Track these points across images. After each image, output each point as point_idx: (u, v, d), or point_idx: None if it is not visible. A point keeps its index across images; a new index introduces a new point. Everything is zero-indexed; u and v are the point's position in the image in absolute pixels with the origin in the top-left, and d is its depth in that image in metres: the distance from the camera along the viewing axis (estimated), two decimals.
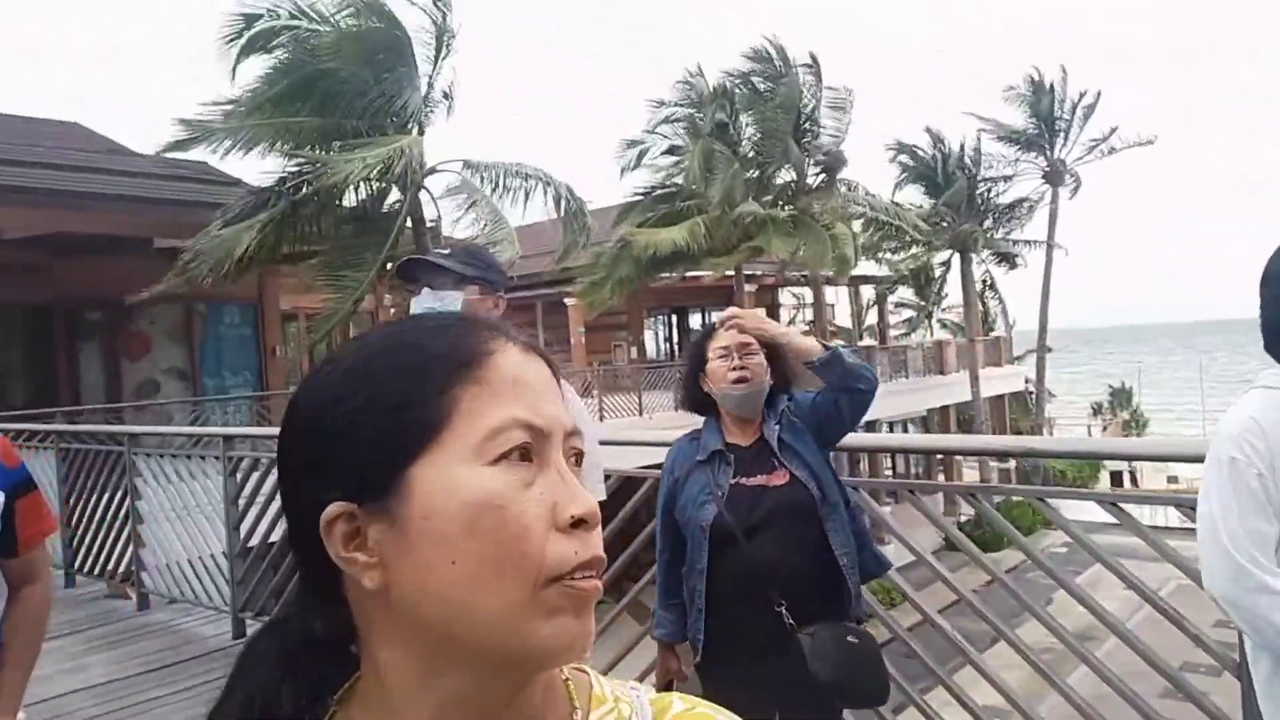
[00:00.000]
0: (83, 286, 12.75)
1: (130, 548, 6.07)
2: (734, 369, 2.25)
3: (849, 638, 2.11)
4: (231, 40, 11.17)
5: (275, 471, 0.74)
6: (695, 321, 26.44)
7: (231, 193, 11.61)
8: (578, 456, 0.55)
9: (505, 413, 0.52)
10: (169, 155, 12.16)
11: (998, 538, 11.43)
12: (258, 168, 11.45)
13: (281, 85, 11.10)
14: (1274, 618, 1.39)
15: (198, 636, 5.39)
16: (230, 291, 11.63)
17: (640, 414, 16.07)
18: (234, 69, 11.23)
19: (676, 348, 26.00)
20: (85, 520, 6.56)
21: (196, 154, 12.04)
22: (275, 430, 0.77)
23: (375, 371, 0.53)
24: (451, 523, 0.50)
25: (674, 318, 26.28)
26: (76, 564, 6.65)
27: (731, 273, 17.63)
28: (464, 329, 0.56)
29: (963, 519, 16.79)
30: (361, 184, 11.14)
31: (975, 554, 2.53)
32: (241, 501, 5.20)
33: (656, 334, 26.19)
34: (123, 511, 6.14)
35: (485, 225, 11.50)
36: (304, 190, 11.46)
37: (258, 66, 11.42)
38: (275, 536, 5.27)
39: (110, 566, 6.35)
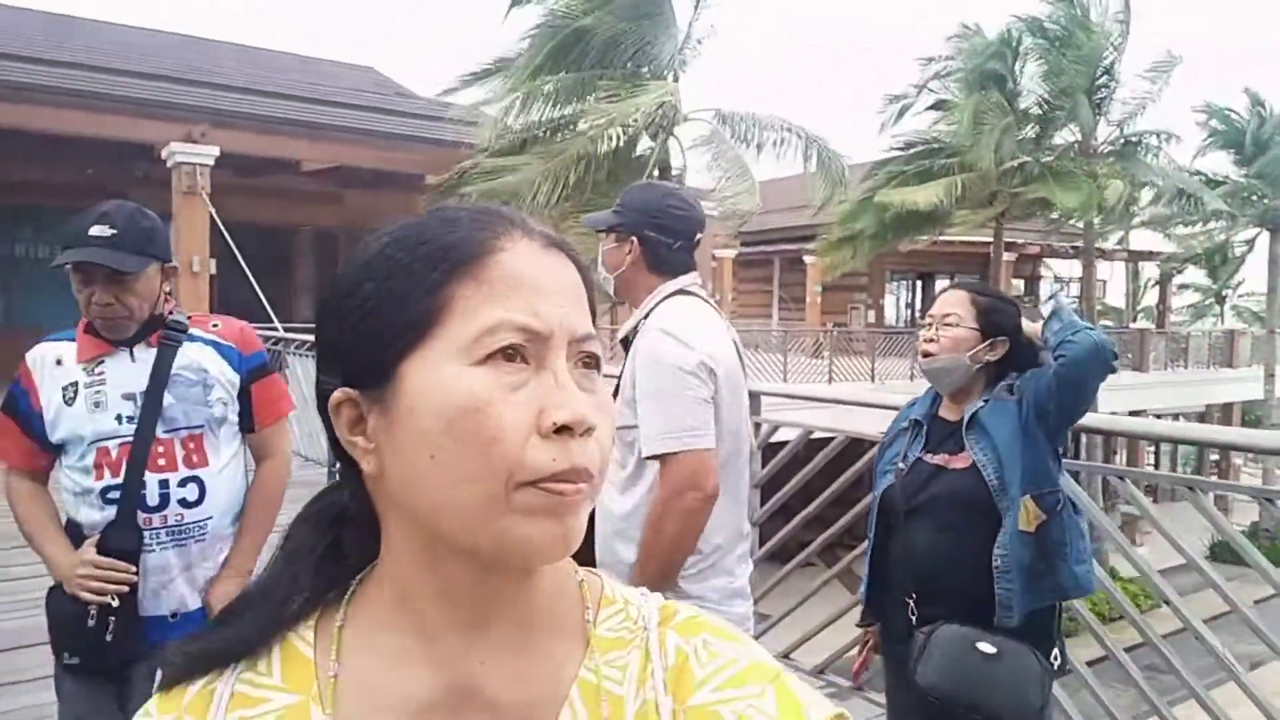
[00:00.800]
0: (365, 215, 14.08)
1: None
2: (925, 340, 2.09)
3: (980, 644, 1.85)
4: None
5: None
6: (941, 287, 25.06)
7: (499, 139, 12.29)
8: (586, 360, 0.54)
9: (499, 313, 0.51)
10: (446, 101, 13.04)
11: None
12: (524, 119, 11.89)
13: (548, 43, 11.52)
14: None
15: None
16: None
17: (872, 379, 15.51)
18: (506, 15, 11.78)
19: (918, 315, 24.79)
20: None
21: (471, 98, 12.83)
22: None
23: (382, 264, 0.54)
24: (432, 419, 0.50)
25: (919, 283, 25.01)
26: None
27: (988, 238, 16.38)
28: (476, 222, 0.55)
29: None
30: (613, 131, 11.39)
31: (1263, 565, 2.15)
32: None
33: (898, 298, 25.06)
34: None
35: (728, 176, 11.41)
36: (559, 137, 11.91)
37: (531, 16, 11.92)
38: None
39: None
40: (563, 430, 0.50)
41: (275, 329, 8.65)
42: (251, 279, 9.64)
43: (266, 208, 13.23)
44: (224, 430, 1.96)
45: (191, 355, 1.93)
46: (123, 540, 1.84)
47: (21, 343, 2.08)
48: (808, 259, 20.16)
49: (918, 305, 25.08)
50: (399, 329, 0.52)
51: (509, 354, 0.51)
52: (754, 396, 3.82)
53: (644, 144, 12.20)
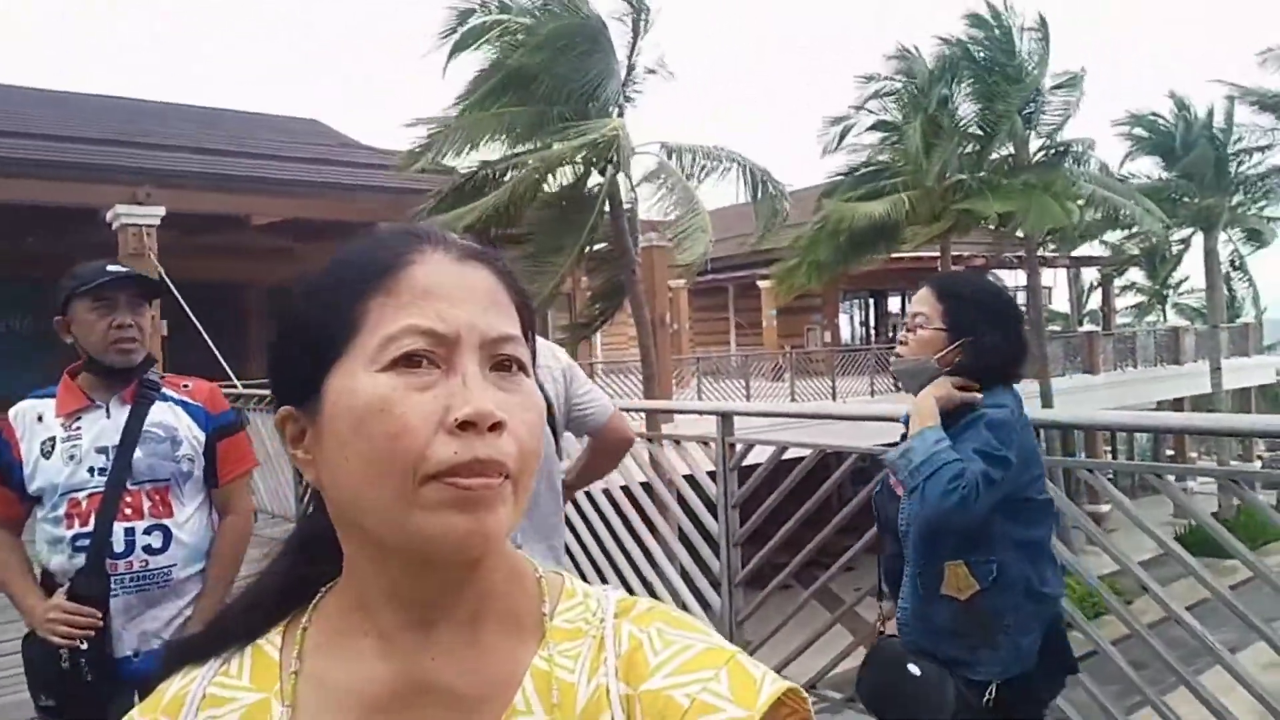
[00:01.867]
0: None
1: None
2: (899, 341, 2.00)
3: (910, 665, 1.78)
4: (445, 36, 11.79)
5: None
6: (894, 304, 25.41)
7: (446, 181, 12.30)
8: (504, 361, 0.56)
9: (403, 321, 0.54)
10: (390, 148, 13.04)
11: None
12: (471, 158, 11.93)
13: (491, 82, 11.59)
14: None
15: None
16: None
17: (834, 398, 15.68)
18: (445, 66, 11.86)
19: (873, 332, 25.11)
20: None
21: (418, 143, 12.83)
22: None
23: (311, 288, 0.59)
24: (344, 422, 0.54)
25: (871, 301, 25.39)
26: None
27: (935, 253, 16.74)
28: (393, 240, 0.58)
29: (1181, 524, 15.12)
30: (562, 170, 11.45)
31: (1236, 548, 2.21)
32: None
33: (852, 317, 25.42)
34: None
35: (680, 208, 11.52)
36: (509, 177, 11.95)
37: (470, 63, 12.01)
38: None
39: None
40: (466, 426, 0.52)
41: (234, 386, 8.51)
42: (206, 337, 9.48)
43: (218, 265, 13.04)
44: (189, 485, 2.11)
45: (162, 414, 2.10)
46: (91, 586, 1.98)
47: None
48: (761, 284, 20.37)
49: (872, 323, 25.43)
50: (322, 345, 0.56)
51: (415, 359, 0.54)
52: (726, 417, 3.87)
53: (594, 179, 12.29)
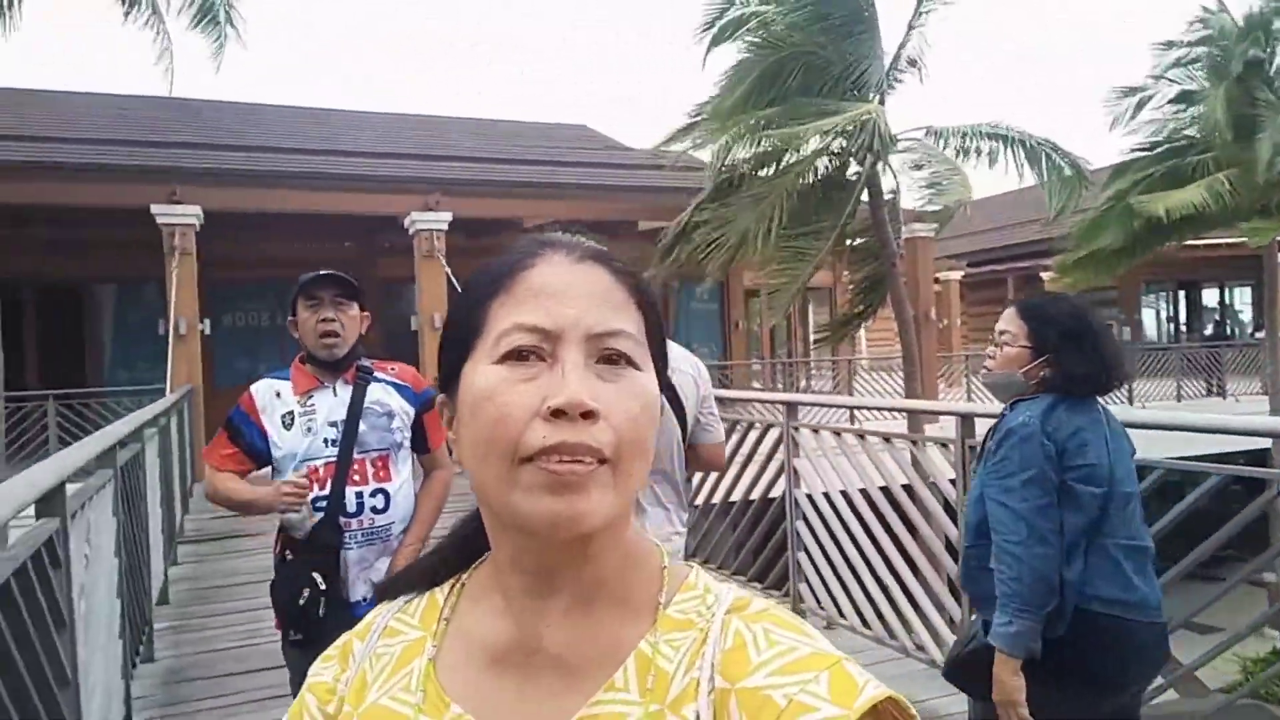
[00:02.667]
0: None
1: None
2: (986, 356, 2.28)
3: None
4: (705, 30, 11.92)
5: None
6: (1209, 298, 22.32)
7: (705, 177, 12.49)
8: (611, 355, 0.60)
9: (514, 318, 0.60)
10: (660, 149, 13.44)
11: None
12: (732, 157, 11.96)
13: (749, 76, 11.54)
14: None
15: None
16: (702, 270, 12.55)
17: (1130, 403, 14.03)
18: (705, 58, 11.97)
19: (1184, 328, 22.19)
20: None
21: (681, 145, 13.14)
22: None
23: (461, 293, 0.68)
24: (466, 408, 0.61)
25: (1181, 293, 22.45)
26: None
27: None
28: (519, 249, 0.65)
29: None
30: (821, 159, 11.17)
31: None
32: None
33: (1157, 311, 22.62)
34: None
35: (942, 192, 10.84)
36: (768, 170, 11.86)
37: (730, 54, 12.05)
38: (735, 497, 5.53)
39: None
40: (559, 413, 0.57)
41: None
42: None
43: None
44: (401, 454, 2.43)
45: (377, 393, 2.41)
46: (328, 538, 2.31)
47: None
48: (1045, 275, 18.70)
49: (1182, 318, 22.50)
50: (462, 341, 0.63)
51: (524, 353, 0.59)
52: (966, 419, 3.59)
53: (854, 168, 11.89)
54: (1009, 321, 2.17)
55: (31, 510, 2.34)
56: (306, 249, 12.92)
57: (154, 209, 10.09)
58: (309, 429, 2.34)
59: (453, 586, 0.70)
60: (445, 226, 11.60)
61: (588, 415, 0.57)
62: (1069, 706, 1.95)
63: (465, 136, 15.21)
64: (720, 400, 3.48)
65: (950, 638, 3.80)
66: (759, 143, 11.48)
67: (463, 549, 0.72)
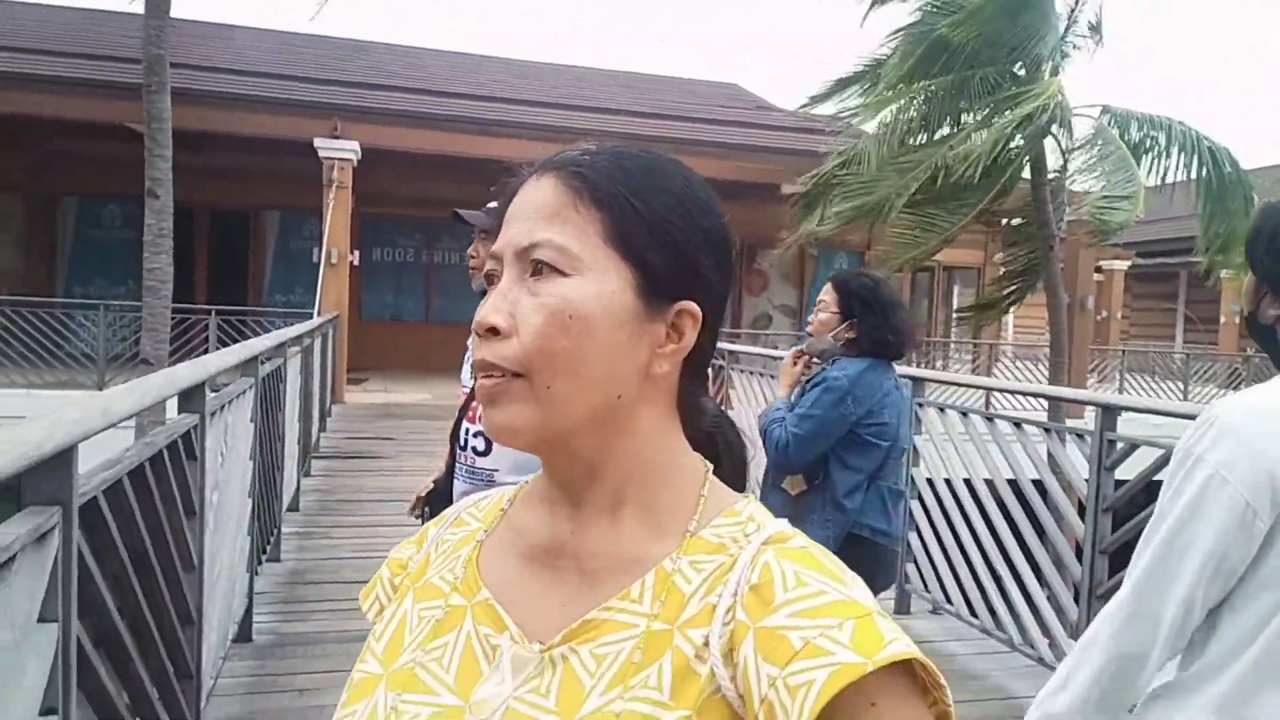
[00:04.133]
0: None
1: None
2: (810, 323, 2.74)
3: None
4: None
5: None
6: None
7: (855, 144, 12.07)
8: (536, 267, 0.61)
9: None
10: (805, 111, 13.09)
11: None
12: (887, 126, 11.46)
13: (914, 47, 11.01)
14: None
15: None
16: (841, 238, 12.20)
17: None
18: (864, 17, 11.50)
19: None
20: None
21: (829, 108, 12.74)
22: None
23: None
24: None
25: None
26: None
27: None
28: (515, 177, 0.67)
29: None
30: (979, 132, 10.58)
31: None
32: None
33: None
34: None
35: (1112, 174, 10.09)
36: (919, 138, 11.33)
37: (893, 16, 11.54)
38: None
39: None
40: (479, 335, 0.61)
41: None
42: None
43: None
44: None
45: None
46: (451, 465, 2.45)
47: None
48: (1223, 273, 17.25)
49: None
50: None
51: (494, 278, 0.64)
52: (1108, 410, 3.35)
53: (1016, 141, 11.21)
54: (826, 292, 2.62)
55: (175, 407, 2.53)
56: (458, 190, 13.34)
57: (316, 142, 10.62)
58: (466, 359, 2.43)
59: (520, 488, 0.74)
60: None
61: (492, 332, 0.60)
62: None
63: (614, 89, 15.24)
64: None
65: (1068, 643, 3.59)
66: (924, 117, 10.97)
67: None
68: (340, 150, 10.71)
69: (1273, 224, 1.24)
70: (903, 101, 11.12)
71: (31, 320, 10.40)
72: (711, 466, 0.67)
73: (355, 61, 14.15)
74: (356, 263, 11.30)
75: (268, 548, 4.63)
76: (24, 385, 9.85)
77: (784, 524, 0.63)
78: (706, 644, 0.56)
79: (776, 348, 13.73)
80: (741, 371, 6.60)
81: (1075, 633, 3.60)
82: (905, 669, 0.52)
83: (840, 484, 2.48)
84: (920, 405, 4.62)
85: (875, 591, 2.33)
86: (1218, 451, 1.07)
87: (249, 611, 3.76)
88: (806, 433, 2.46)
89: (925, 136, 11.23)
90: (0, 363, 10.19)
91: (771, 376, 6.02)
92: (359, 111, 11.24)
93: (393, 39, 18.84)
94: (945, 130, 11.04)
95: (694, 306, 0.63)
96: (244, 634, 3.68)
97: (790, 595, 0.55)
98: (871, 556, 2.49)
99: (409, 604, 0.69)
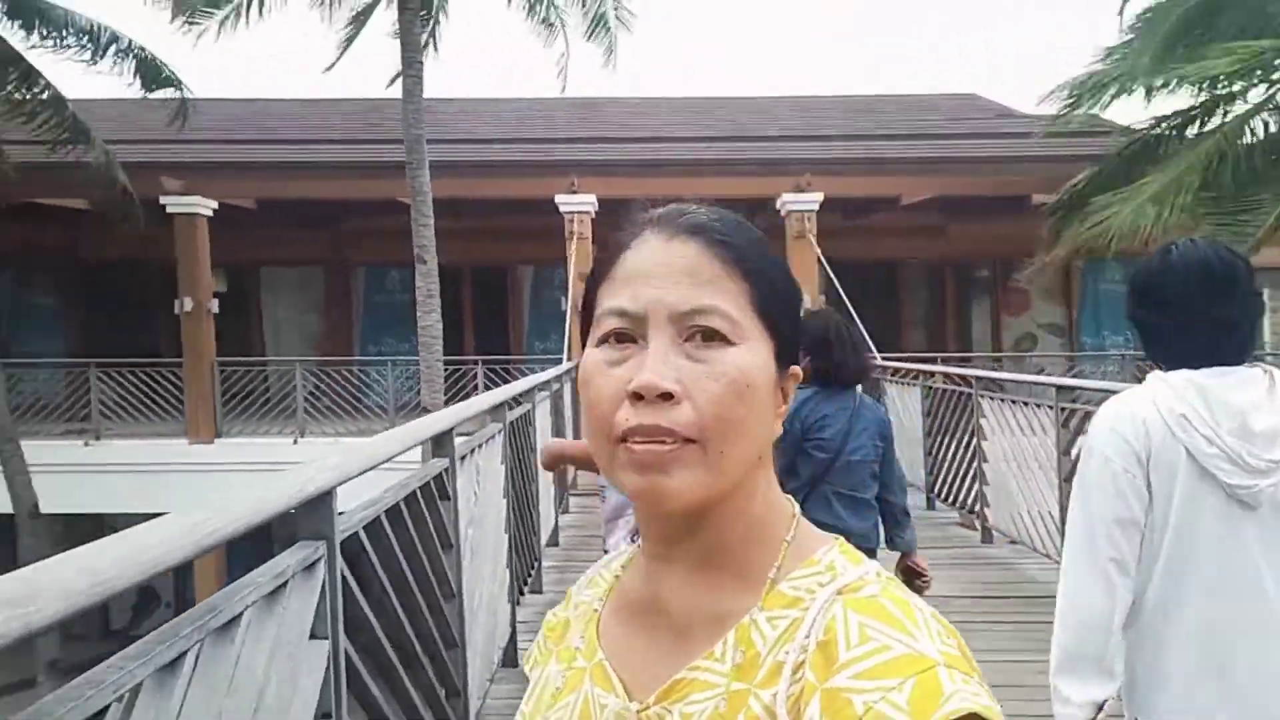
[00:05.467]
0: (969, 245, 13.86)
1: (975, 484, 6.46)
2: None
3: None
4: None
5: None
6: None
7: (1114, 142, 11.06)
8: (701, 332, 0.61)
9: (608, 303, 0.64)
10: (1052, 112, 12.20)
11: None
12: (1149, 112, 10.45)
13: (1171, 17, 9.99)
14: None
15: (1027, 578, 5.48)
16: (1108, 247, 11.16)
17: None
18: (1122, 8, 10.59)
19: None
20: (941, 452, 7.23)
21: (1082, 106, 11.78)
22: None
23: (587, 280, 0.71)
24: (580, 390, 0.65)
25: None
26: (936, 489, 7.38)
27: None
28: (624, 233, 0.68)
29: None
30: (1261, 115, 9.35)
31: None
32: (1074, 453, 5.07)
33: None
34: (970, 449, 6.57)
35: None
36: (1195, 129, 10.19)
37: None
38: None
39: (961, 498, 6.89)
40: (638, 397, 0.60)
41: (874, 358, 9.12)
42: (853, 313, 10.23)
43: (869, 245, 13.86)
44: None
45: None
46: None
47: None
48: None
49: None
50: (584, 328, 0.68)
51: (620, 336, 0.63)
52: None
53: None
54: None
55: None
56: None
57: (557, 199, 11.41)
58: None
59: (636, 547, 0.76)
60: (816, 207, 11.63)
61: (665, 397, 0.59)
62: None
63: (837, 114, 15.06)
64: None
65: None
66: (1176, 91, 9.89)
67: None
68: (578, 204, 11.44)
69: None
70: (1177, 76, 9.99)
71: (335, 378, 12.02)
72: (798, 509, 0.69)
73: (587, 119, 15.05)
74: None
75: (529, 580, 4.99)
76: (333, 434, 11.36)
77: (863, 570, 0.62)
78: (774, 699, 0.57)
79: (1042, 371, 12.79)
80: (993, 399, 6.24)
81: None
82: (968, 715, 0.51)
83: (792, 490, 3.03)
84: None
85: None
86: (1101, 442, 1.60)
87: (513, 639, 4.05)
88: (783, 448, 3.09)
89: (1195, 127, 10.10)
90: (315, 415, 11.82)
91: (1037, 405, 5.63)
92: (592, 166, 11.94)
93: (628, 92, 19.78)
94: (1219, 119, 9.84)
95: (798, 370, 0.67)
96: (509, 659, 3.96)
97: (854, 654, 0.55)
98: None
99: (552, 666, 0.74)
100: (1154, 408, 1.58)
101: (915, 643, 0.55)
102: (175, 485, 10.45)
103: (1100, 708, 1.58)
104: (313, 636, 1.62)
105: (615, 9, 11.59)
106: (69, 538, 4.52)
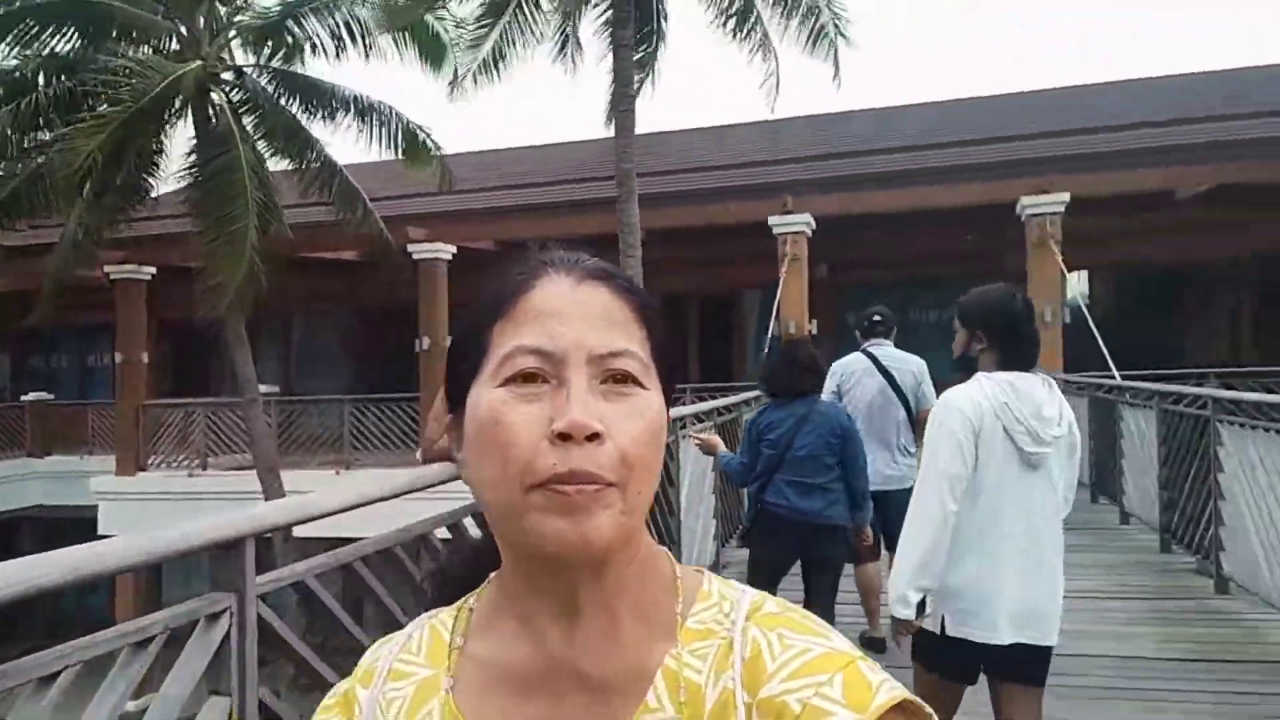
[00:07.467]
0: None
1: (1211, 523, 5.43)
2: None
3: None
4: None
5: None
6: None
7: None
8: (616, 375, 0.60)
9: (515, 341, 0.61)
10: None
11: None
12: None
13: None
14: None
15: (1265, 640, 4.50)
16: None
17: None
18: None
19: None
20: (1177, 484, 6.15)
21: None
22: None
23: (466, 314, 0.67)
24: (473, 431, 0.62)
25: None
26: (1171, 527, 6.30)
27: None
28: (520, 270, 0.65)
29: None
30: None
31: None
32: None
33: None
34: (1206, 482, 5.54)
35: None
36: None
37: None
38: None
39: (1198, 539, 5.83)
40: (565, 437, 0.57)
41: (1112, 377, 8.13)
42: (1092, 326, 9.08)
43: (1142, 247, 12.24)
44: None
45: None
46: None
47: None
48: None
49: None
50: (467, 363, 0.64)
51: (529, 375, 0.60)
52: None
53: None
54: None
55: None
56: (934, 243, 12.83)
57: (770, 220, 11.17)
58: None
59: (456, 615, 0.69)
60: (1060, 209, 10.48)
61: (593, 437, 0.57)
62: (757, 550, 3.99)
63: (1086, 109, 13.44)
64: None
65: None
66: None
67: (466, 578, 0.72)
68: (792, 224, 11.11)
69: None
70: None
71: None
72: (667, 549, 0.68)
73: (808, 136, 14.64)
74: (815, 331, 11.48)
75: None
76: None
77: (754, 593, 0.64)
78: None
79: None
80: (1242, 425, 5.13)
81: None
82: (896, 709, 0.54)
83: (751, 478, 3.93)
84: None
85: (783, 541, 3.78)
86: (949, 419, 2.38)
87: None
88: (737, 465, 3.97)
89: None
90: None
91: None
92: (811, 184, 11.56)
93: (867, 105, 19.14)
94: None
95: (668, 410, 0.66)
96: None
97: (779, 661, 0.58)
98: (772, 518, 3.77)
99: None
100: (984, 396, 2.36)
101: (830, 642, 0.58)
102: (408, 513, 11.32)
103: (923, 605, 2.36)
104: (215, 692, 1.62)
105: (834, 20, 11.21)
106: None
